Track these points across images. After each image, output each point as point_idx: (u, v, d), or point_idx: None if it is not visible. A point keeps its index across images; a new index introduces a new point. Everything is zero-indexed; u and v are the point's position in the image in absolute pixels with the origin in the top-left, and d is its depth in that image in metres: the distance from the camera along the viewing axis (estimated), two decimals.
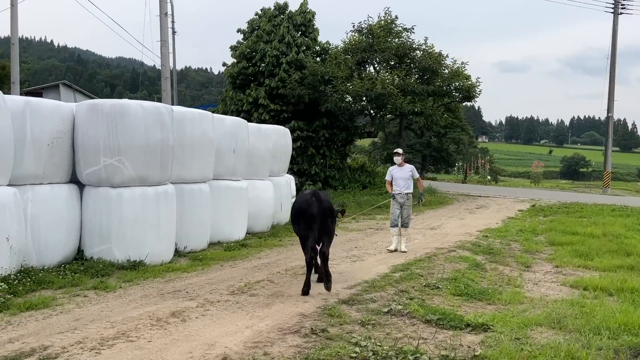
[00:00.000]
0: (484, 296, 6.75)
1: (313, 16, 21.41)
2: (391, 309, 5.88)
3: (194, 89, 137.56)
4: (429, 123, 20.96)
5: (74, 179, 8.31)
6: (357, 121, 22.11)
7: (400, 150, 10.71)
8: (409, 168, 10.43)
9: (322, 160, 20.52)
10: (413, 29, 21.21)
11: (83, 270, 7.44)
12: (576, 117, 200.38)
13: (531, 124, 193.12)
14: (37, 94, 39.37)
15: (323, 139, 20.29)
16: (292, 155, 19.89)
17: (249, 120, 20.50)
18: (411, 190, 10.35)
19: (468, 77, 21.01)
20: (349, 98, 18.72)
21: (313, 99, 19.85)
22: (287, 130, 13.83)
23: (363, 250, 10.11)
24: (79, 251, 8.16)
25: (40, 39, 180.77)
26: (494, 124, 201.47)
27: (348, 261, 8.99)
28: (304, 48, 20.59)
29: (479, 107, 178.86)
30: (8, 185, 7.04)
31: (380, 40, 20.15)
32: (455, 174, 44.41)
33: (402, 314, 5.78)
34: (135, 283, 7.09)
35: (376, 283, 7.20)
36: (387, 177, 10.60)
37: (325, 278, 6.95)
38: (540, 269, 8.93)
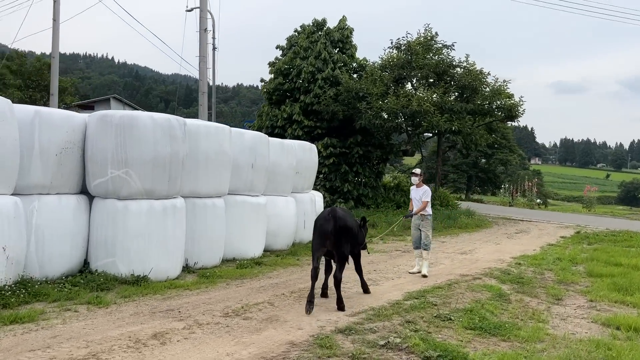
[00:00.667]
0: (499, 331, 6.15)
1: (351, 32, 21.17)
2: (388, 341, 5.39)
3: (245, 105, 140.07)
4: (467, 142, 20.21)
5: (85, 190, 8.23)
6: (394, 139, 21.58)
7: (417, 171, 10.41)
8: (422, 190, 10.04)
9: (355, 178, 20.08)
10: (453, 45, 20.67)
11: (84, 283, 7.29)
12: (637, 141, 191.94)
13: (587, 147, 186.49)
14: (89, 107, 40.90)
15: (357, 156, 19.86)
16: (324, 172, 19.67)
17: (283, 136, 20.44)
18: (428, 212, 9.95)
19: (510, 96, 20.19)
20: (385, 115, 18.24)
21: (348, 116, 19.50)
22: (313, 146, 13.50)
23: (382, 274, 9.61)
24: (86, 264, 8.03)
25: (102, 55, 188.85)
26: (547, 145, 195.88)
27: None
28: (341, 64, 20.33)
29: (532, 128, 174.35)
30: (13, 194, 6.99)
31: (418, 57, 19.68)
32: (501, 197, 42.87)
33: (399, 348, 5.28)
34: (132, 299, 6.86)
35: (383, 311, 6.71)
36: (410, 197, 10.35)
37: (337, 305, 6.81)
38: (572, 302, 8.19)
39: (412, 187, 10.35)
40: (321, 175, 19.92)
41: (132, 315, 6.11)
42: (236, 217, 10.13)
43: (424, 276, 9.49)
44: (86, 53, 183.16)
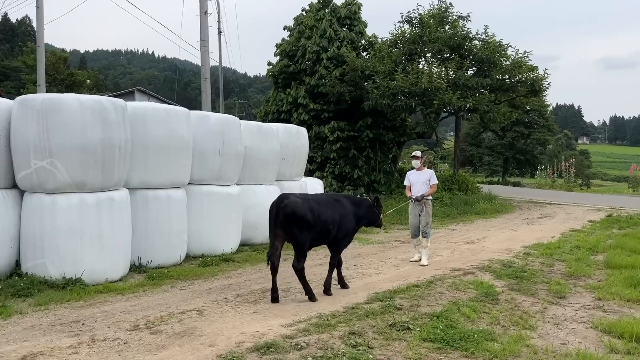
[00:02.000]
0: (465, 344, 4.99)
1: (359, 8, 19.83)
2: None
3: None
4: (485, 121, 18.58)
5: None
6: (411, 121, 20.10)
7: (418, 153, 9.68)
8: (427, 173, 9.41)
9: (365, 164, 18.81)
10: (469, 16, 18.97)
11: (2, 289, 6.48)
12: None
13: (639, 124, 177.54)
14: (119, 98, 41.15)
15: (367, 139, 18.59)
16: (333, 158, 18.54)
17: (289, 122, 19.37)
18: (430, 198, 9.30)
19: (532, 69, 18.40)
20: (393, 94, 16.80)
21: (355, 97, 18.24)
22: (301, 130, 12.38)
23: (361, 270, 8.49)
24: (18, 265, 7.23)
25: (143, 51, 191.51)
26: (596, 124, 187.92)
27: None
28: (348, 42, 19.04)
29: (578, 107, 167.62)
30: None
31: (430, 30, 18.18)
32: (538, 179, 40.57)
33: None
34: (45, 307, 5.99)
35: (330, 319, 5.63)
36: (406, 182, 9.63)
37: (307, 294, 6.44)
38: (576, 301, 6.89)
39: (410, 172, 9.61)
40: (330, 162, 18.82)
41: (24, 329, 5.23)
42: (202, 209, 9.21)
43: (423, 265, 8.83)
44: (127, 49, 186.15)
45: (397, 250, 10.47)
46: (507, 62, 18.08)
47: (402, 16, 19.45)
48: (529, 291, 7.25)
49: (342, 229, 6.74)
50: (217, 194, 9.41)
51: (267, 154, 10.75)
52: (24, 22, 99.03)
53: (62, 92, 30.66)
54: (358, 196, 7.57)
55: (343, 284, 7.12)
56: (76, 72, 31.30)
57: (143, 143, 8.02)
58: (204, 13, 19.81)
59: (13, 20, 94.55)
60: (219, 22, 24.91)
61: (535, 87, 18.30)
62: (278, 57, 20.13)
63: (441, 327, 5.39)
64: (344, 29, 19.66)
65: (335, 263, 6.91)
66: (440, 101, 16.40)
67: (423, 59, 18.69)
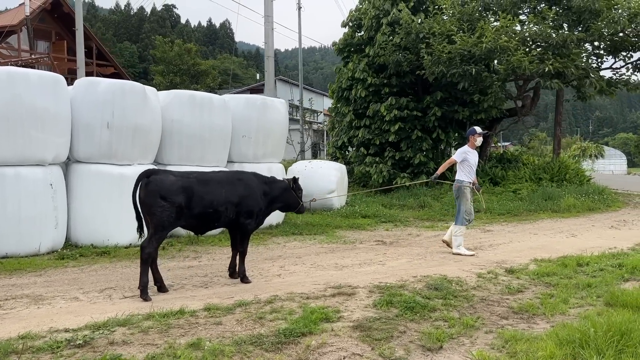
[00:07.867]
0: None
1: None
2: None
3: None
4: (581, 89, 13.82)
5: None
6: (496, 92, 15.95)
7: (477, 129, 8.24)
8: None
9: (433, 148, 15.59)
10: None
11: None
12: None
13: None
14: (259, 90, 42.71)
15: (434, 118, 15.38)
16: (392, 142, 15.80)
17: (348, 99, 17.04)
18: (456, 179, 8.22)
19: None
20: (452, 59, 13.40)
21: (415, 67, 15.20)
22: (272, 101, 10.19)
23: (212, 277, 6.33)
24: None
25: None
26: None
27: (113, 296, 5.51)
28: (415, 3, 15.98)
29: None
30: None
31: None
32: None
33: None
34: None
35: None
36: (458, 158, 8.07)
37: (139, 288, 5.33)
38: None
39: (470, 150, 8.12)
40: (390, 146, 16.07)
41: None
42: (90, 192, 7.88)
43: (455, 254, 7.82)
44: (322, 45, 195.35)
45: (338, 254, 7.91)
46: (620, 11, 13.30)
47: None
48: (381, 333, 4.44)
49: (244, 209, 5.93)
50: (108, 175, 7.96)
51: (202, 129, 8.96)
52: (224, 25, 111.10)
53: (187, 82, 31.98)
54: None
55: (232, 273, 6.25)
56: (201, 62, 32.32)
57: None
58: None
59: (217, 25, 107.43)
60: None
61: None
62: (345, 27, 17.88)
63: None
64: None
65: (246, 249, 6.19)
66: (506, 65, 12.69)
67: (499, 14, 14.54)
